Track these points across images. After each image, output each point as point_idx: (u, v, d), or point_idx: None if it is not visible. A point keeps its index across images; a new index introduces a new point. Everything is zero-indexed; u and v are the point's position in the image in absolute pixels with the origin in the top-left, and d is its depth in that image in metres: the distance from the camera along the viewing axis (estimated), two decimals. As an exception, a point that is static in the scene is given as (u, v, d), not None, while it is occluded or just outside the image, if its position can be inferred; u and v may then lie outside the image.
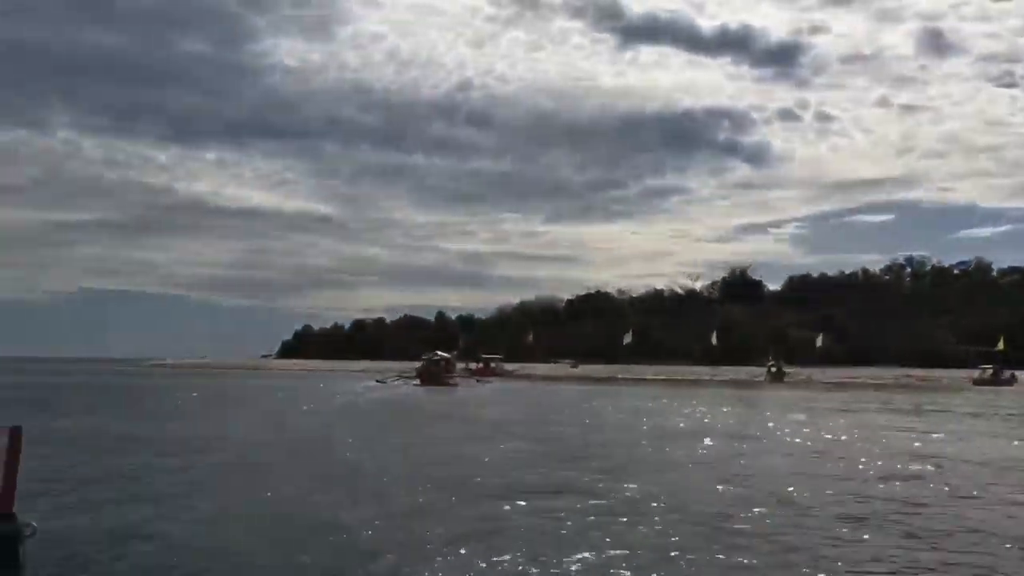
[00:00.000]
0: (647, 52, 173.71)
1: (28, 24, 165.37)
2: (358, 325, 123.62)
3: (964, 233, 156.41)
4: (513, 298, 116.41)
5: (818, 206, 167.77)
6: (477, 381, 55.96)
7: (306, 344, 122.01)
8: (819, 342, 72.14)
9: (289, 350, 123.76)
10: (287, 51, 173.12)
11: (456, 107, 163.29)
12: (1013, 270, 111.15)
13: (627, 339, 77.35)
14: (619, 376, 69.00)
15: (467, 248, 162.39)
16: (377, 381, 50.71)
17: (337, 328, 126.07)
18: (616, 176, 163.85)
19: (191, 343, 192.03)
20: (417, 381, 50.95)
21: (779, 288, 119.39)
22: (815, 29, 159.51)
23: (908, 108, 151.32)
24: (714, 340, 76.18)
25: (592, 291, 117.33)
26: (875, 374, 67.45)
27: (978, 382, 58.78)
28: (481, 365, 68.72)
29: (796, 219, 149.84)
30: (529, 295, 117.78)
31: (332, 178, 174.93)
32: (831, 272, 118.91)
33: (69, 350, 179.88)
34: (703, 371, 72.97)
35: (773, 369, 63.91)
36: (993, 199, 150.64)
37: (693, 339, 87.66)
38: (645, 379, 65.05)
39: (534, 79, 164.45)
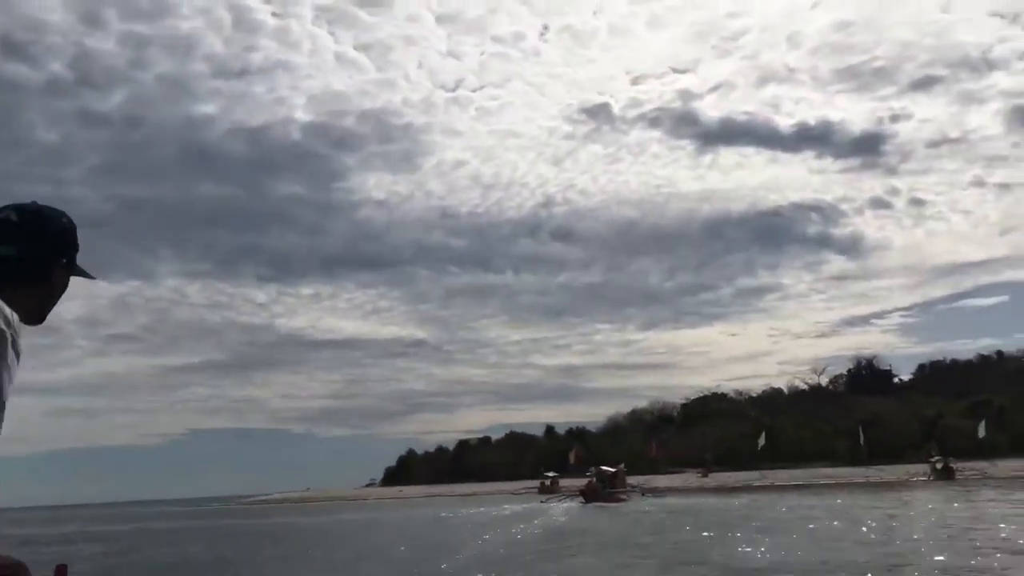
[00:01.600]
0: (726, 154, 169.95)
1: (137, 181, 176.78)
2: (462, 446, 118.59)
3: None
4: (610, 409, 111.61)
5: (922, 293, 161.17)
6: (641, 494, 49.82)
7: (410, 469, 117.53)
8: (981, 431, 63.55)
9: (393, 477, 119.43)
10: (375, 185, 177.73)
11: (541, 224, 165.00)
12: None
13: (761, 442, 70.13)
14: (772, 483, 61.49)
15: (562, 362, 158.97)
16: (542, 502, 47.05)
17: (441, 451, 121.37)
18: (706, 279, 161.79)
19: (295, 476, 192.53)
20: (581, 499, 46.33)
21: (910, 377, 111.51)
22: (896, 117, 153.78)
23: (1004, 187, 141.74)
24: (861, 437, 68.25)
25: (708, 393, 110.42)
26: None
27: None
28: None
29: (900, 308, 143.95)
30: (627, 405, 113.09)
31: (424, 303, 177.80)
32: (961, 357, 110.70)
33: (179, 491, 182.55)
34: (852, 472, 64.96)
35: (939, 466, 55.83)
36: None
37: (830, 437, 79.68)
38: (801, 485, 57.46)
39: (615, 190, 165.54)
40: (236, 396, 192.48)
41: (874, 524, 23.21)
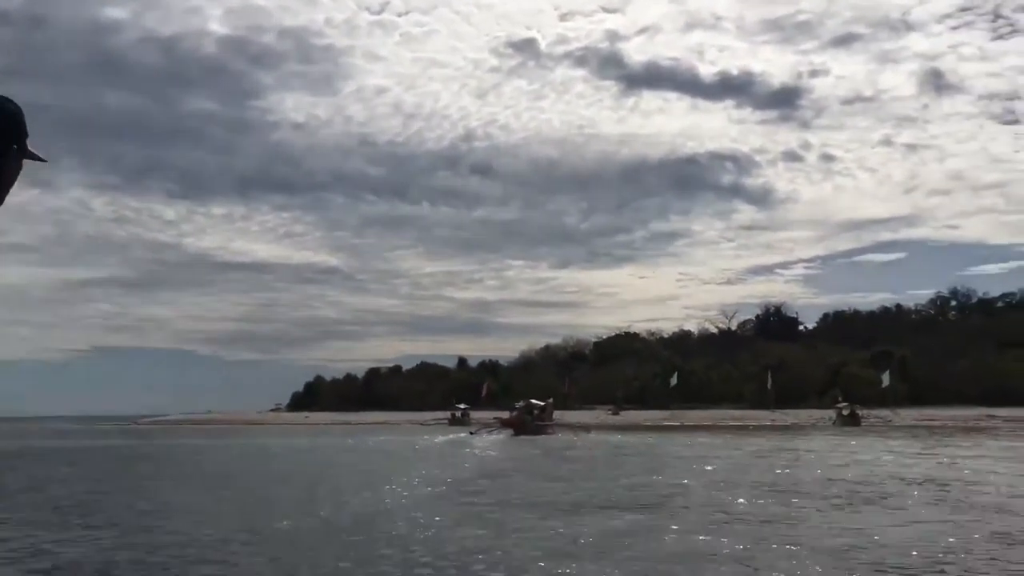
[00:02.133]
0: (649, 98, 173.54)
1: (40, 85, 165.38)
2: (373, 374, 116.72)
3: (973, 270, 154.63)
4: (520, 345, 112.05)
5: (826, 246, 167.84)
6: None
7: (318, 396, 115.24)
8: (885, 381, 65.07)
9: (300, 402, 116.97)
10: (293, 106, 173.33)
11: (460, 157, 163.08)
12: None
13: (673, 382, 70.52)
14: (682, 423, 61.84)
15: (474, 296, 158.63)
16: (470, 433, 46.57)
17: (350, 378, 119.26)
18: (621, 221, 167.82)
19: (199, 398, 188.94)
20: (510, 431, 46.04)
21: (815, 326, 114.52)
22: (815, 72, 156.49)
23: (911, 147, 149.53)
24: (769, 381, 69.23)
25: (620, 332, 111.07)
26: (956, 415, 60.49)
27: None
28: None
29: (804, 260, 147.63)
30: (537, 342, 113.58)
31: (339, 230, 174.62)
32: (862, 309, 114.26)
33: (78, 408, 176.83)
34: (761, 415, 66.02)
35: (845, 412, 56.88)
36: (1001, 236, 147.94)
37: (739, 381, 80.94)
38: (710, 426, 57.76)
39: (537, 128, 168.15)
40: (141, 315, 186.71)
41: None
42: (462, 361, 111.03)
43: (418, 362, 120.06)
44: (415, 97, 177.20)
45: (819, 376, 77.76)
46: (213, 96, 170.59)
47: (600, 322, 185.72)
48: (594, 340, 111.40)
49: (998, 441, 35.83)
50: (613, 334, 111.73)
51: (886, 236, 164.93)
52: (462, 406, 72.40)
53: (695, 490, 16.56)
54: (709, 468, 22.03)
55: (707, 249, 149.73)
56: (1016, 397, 67.28)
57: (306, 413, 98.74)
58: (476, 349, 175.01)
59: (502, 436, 44.60)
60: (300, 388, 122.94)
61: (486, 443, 38.79)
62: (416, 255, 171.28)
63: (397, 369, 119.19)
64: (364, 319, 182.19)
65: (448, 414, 72.15)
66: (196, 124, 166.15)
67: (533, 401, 51.60)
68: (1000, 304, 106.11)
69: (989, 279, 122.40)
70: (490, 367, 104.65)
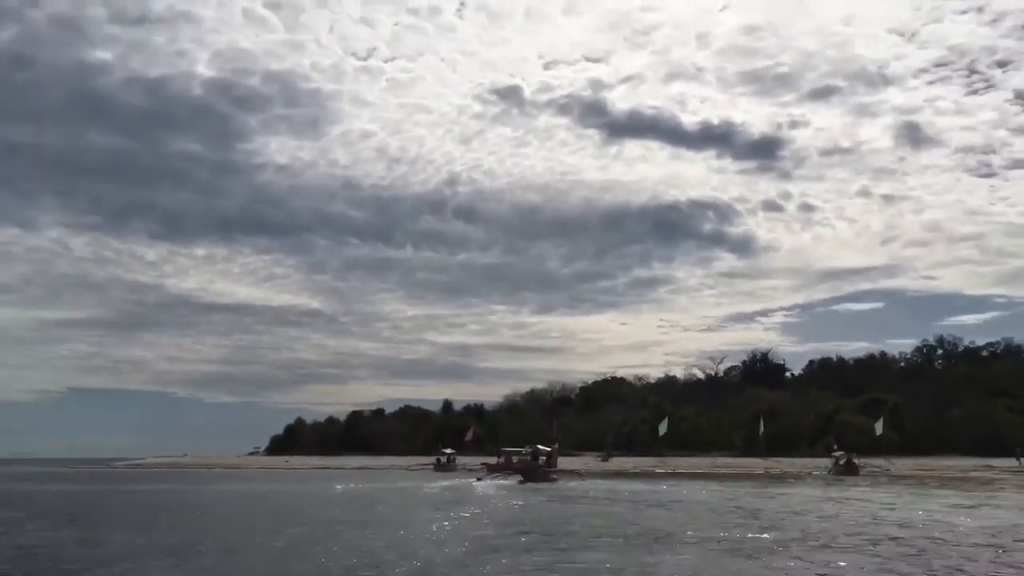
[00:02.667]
0: (631, 146, 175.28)
1: (23, 124, 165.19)
2: (355, 417, 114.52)
3: (950, 320, 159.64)
4: (501, 390, 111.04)
5: (805, 295, 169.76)
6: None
7: (298, 439, 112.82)
8: (879, 429, 63.98)
9: (279, 445, 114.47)
10: (277, 149, 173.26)
11: (444, 201, 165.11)
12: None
13: (663, 429, 69.10)
14: (673, 470, 60.21)
15: (456, 340, 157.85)
16: (477, 480, 44.77)
17: (332, 421, 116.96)
18: (603, 268, 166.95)
19: (177, 441, 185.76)
20: (518, 478, 44.62)
21: (801, 372, 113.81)
22: (794, 123, 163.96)
23: (889, 198, 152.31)
24: (761, 428, 68.02)
25: (606, 377, 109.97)
26: (952, 465, 59.44)
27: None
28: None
29: (784, 308, 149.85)
30: (518, 387, 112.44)
31: (321, 272, 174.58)
32: (847, 356, 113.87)
33: (53, 451, 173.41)
34: (752, 463, 64.67)
35: (842, 461, 55.64)
36: (977, 286, 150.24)
37: (728, 427, 79.70)
38: (707, 474, 56.32)
39: (521, 173, 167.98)
40: (119, 356, 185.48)
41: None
42: (447, 404, 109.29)
43: (401, 405, 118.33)
44: (400, 141, 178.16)
45: (810, 423, 76.62)
46: (198, 138, 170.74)
47: (582, 367, 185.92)
48: (580, 385, 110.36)
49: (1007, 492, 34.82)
50: (599, 379, 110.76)
51: (864, 286, 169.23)
52: (448, 451, 70.68)
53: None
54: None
55: (688, 296, 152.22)
56: (1009, 447, 66.61)
57: (286, 457, 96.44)
58: (458, 393, 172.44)
59: (508, 482, 43.41)
60: (279, 431, 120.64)
61: (495, 490, 37.06)
62: (398, 299, 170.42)
63: (379, 412, 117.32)
64: (345, 362, 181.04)
65: (433, 459, 70.31)
66: (180, 165, 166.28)
67: (540, 447, 50.21)
68: (985, 353, 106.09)
69: (966, 329, 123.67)
70: (475, 411, 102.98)
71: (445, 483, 44.48)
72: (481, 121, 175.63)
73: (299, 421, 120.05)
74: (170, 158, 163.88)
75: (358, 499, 31.35)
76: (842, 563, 13.49)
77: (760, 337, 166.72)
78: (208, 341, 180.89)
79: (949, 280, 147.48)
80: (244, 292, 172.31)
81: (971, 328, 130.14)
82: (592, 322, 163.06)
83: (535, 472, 45.46)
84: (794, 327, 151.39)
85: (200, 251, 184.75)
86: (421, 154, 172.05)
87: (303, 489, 41.32)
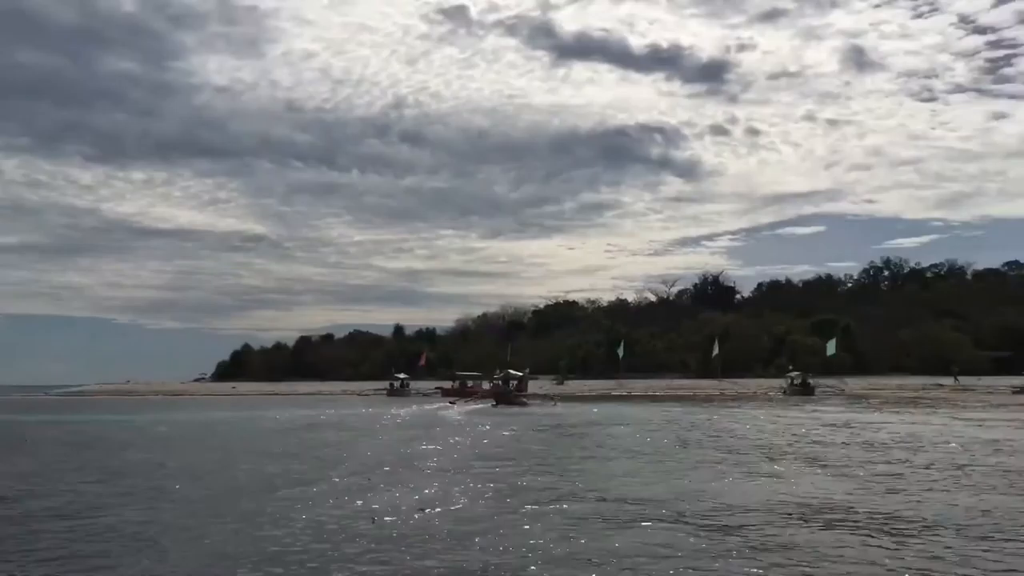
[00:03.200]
0: (580, 69, 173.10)
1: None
2: (304, 343, 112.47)
3: (890, 243, 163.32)
4: (449, 315, 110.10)
5: (750, 219, 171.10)
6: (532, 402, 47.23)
7: (245, 365, 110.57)
8: (831, 349, 64.32)
9: (226, 372, 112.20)
10: (216, 69, 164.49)
11: (390, 124, 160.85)
12: (989, 272, 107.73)
13: (620, 352, 68.58)
14: (629, 393, 59.91)
15: (404, 265, 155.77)
16: (451, 403, 45.80)
17: (279, 347, 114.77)
18: (551, 192, 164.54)
19: (117, 369, 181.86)
20: (492, 402, 45.23)
21: (750, 295, 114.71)
22: (742, 47, 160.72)
23: (833, 122, 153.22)
24: (716, 350, 67.91)
25: (559, 300, 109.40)
26: (904, 384, 60.12)
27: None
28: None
29: (730, 232, 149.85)
30: (466, 312, 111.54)
31: (265, 197, 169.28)
32: (796, 280, 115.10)
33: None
34: (708, 384, 64.74)
35: (797, 381, 55.74)
36: (917, 210, 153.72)
37: (684, 350, 79.74)
38: (668, 396, 56.04)
39: (468, 97, 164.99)
40: (56, 282, 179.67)
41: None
42: (398, 329, 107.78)
43: (349, 331, 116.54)
44: (344, 62, 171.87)
45: (763, 345, 76.97)
46: (132, 56, 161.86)
47: (530, 292, 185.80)
48: (532, 309, 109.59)
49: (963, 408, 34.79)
50: (551, 303, 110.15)
51: (808, 209, 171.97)
52: (401, 376, 69.48)
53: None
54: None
55: (635, 220, 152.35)
56: (956, 364, 67.80)
57: (233, 384, 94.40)
58: (406, 319, 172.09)
59: (480, 406, 43.09)
60: (225, 357, 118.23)
61: (468, 416, 35.89)
62: (345, 223, 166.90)
63: (328, 338, 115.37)
64: (291, 288, 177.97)
65: (386, 384, 69.06)
66: (114, 85, 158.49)
67: (511, 372, 50.09)
68: (930, 275, 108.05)
69: (906, 252, 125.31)
70: (427, 335, 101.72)
71: (414, 408, 43.37)
72: (427, 42, 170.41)
73: (246, 347, 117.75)
74: (103, 78, 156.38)
75: (338, 427, 29.56)
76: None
77: (706, 261, 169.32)
78: (149, 267, 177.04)
79: (890, 204, 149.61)
80: (185, 217, 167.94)
81: (910, 251, 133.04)
82: (540, 247, 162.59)
83: (507, 396, 45.50)
84: (739, 251, 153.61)
85: (138, 174, 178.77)
86: (366, 75, 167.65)
87: (268, 417, 39.09)
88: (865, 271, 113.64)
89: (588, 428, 27.01)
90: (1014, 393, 51.23)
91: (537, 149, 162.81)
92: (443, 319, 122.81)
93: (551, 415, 35.36)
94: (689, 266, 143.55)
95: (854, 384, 60.18)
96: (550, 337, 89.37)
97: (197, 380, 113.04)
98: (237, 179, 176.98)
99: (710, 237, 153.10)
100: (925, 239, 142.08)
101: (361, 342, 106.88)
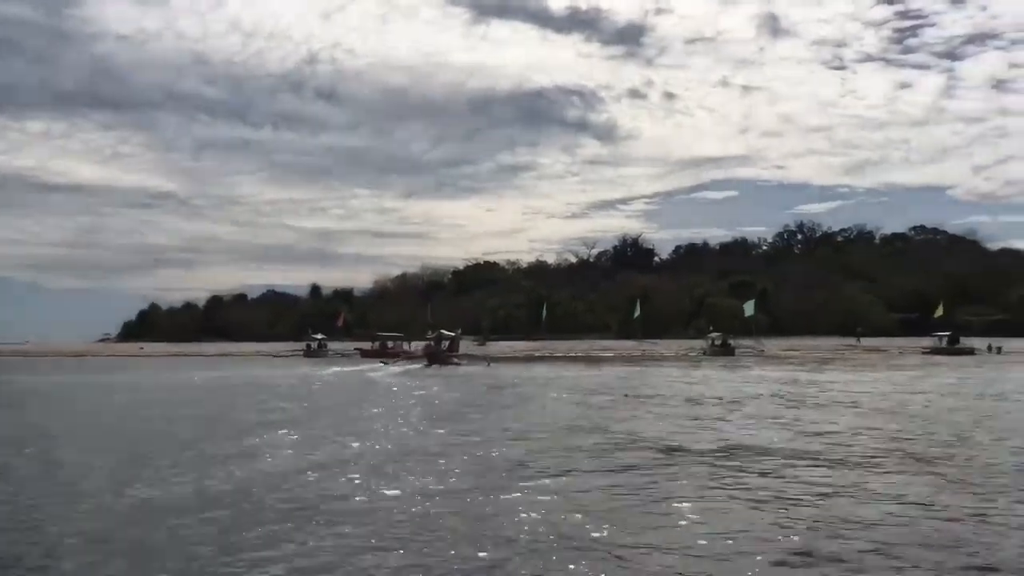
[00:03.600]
0: (498, 27, 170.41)
1: None
2: (215, 302, 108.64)
3: (800, 208, 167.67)
4: (365, 276, 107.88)
5: (665, 183, 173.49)
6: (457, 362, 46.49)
7: (152, 325, 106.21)
8: (749, 311, 65.23)
9: (132, 332, 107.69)
10: (116, 17, 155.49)
11: (304, 80, 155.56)
12: (896, 236, 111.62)
13: (544, 312, 68.15)
14: (552, 354, 59.56)
15: (318, 225, 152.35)
16: (382, 363, 45.82)
17: (189, 307, 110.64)
18: (468, 153, 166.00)
19: (16, 329, 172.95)
20: (424, 362, 45.12)
21: (668, 257, 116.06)
22: (660, 10, 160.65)
23: (747, 89, 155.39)
24: (637, 311, 68.12)
25: (479, 261, 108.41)
26: (820, 345, 61.57)
27: (935, 351, 53.91)
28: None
29: (645, 196, 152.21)
30: (386, 271, 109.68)
31: (173, 151, 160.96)
32: (713, 243, 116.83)
33: None
34: (629, 345, 64.99)
35: (718, 342, 56.30)
36: (826, 176, 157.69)
37: (604, 311, 79.91)
38: (588, 357, 55.72)
39: (385, 53, 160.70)
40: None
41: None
42: (315, 289, 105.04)
43: (263, 291, 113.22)
44: (254, 14, 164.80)
45: (683, 306, 77.71)
46: (26, 1, 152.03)
47: (446, 254, 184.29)
48: (452, 270, 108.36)
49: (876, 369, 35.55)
50: (470, 263, 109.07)
51: (721, 175, 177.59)
52: (319, 336, 67.63)
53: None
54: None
55: (552, 183, 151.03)
56: (866, 325, 70.02)
57: (141, 344, 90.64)
58: (321, 279, 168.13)
59: (413, 367, 42.69)
60: (132, 317, 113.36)
61: (399, 377, 34.83)
62: (257, 181, 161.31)
63: (241, 298, 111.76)
64: (201, 247, 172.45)
65: (303, 345, 67.13)
66: (8, 31, 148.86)
67: (444, 332, 49.76)
68: (840, 239, 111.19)
69: (815, 217, 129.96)
70: (344, 296, 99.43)
71: (338, 370, 41.94)
72: None
73: (153, 307, 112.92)
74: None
75: (271, 389, 28.04)
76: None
77: (622, 224, 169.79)
78: (49, 223, 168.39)
79: (799, 170, 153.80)
80: (87, 171, 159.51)
81: (819, 216, 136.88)
82: (457, 207, 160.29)
83: (440, 356, 45.47)
84: (655, 214, 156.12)
85: (36, 125, 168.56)
86: (278, 29, 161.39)
87: (187, 380, 37.10)
88: (779, 235, 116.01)
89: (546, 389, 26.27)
90: (924, 354, 53.07)
91: (455, 109, 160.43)
92: (359, 280, 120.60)
93: (490, 376, 34.65)
94: (606, 229, 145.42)
95: (772, 345, 61.21)
96: (471, 298, 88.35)
97: (101, 341, 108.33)
98: (142, 133, 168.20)
99: (626, 200, 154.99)
100: (833, 204, 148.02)
101: (275, 303, 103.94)
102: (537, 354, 60.08)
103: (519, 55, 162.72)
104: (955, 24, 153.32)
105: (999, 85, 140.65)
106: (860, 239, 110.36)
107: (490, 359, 48.70)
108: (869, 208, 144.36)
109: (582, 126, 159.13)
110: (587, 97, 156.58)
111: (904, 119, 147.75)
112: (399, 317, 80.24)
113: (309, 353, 64.18)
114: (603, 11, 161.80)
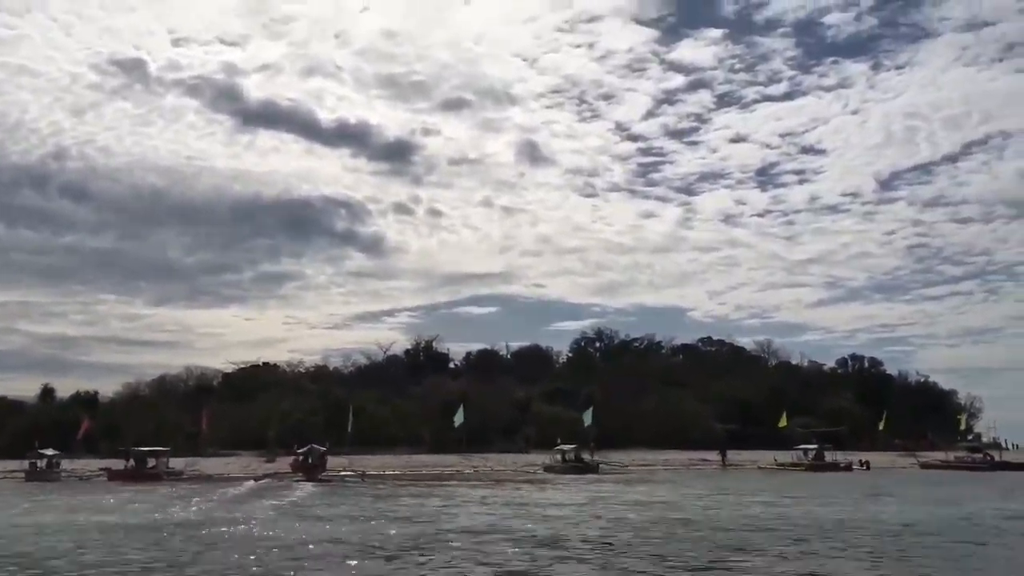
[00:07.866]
0: (265, 137, 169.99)
1: None
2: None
3: (555, 325, 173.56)
4: (107, 386, 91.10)
5: (429, 296, 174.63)
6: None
7: None
8: (588, 420, 57.98)
9: None
10: None
11: (49, 176, 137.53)
12: (685, 347, 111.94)
13: (351, 422, 56.53)
14: (364, 470, 48.39)
15: (54, 331, 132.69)
16: (255, 480, 42.80)
17: None
18: (229, 260, 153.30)
19: None
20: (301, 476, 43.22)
21: (461, 363, 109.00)
22: (427, 131, 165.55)
23: (508, 210, 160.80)
24: (459, 419, 58.35)
25: (258, 363, 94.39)
26: (671, 459, 55.25)
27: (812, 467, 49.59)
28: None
29: (409, 309, 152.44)
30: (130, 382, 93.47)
31: None
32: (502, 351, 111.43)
33: None
34: (454, 460, 54.96)
35: (570, 456, 47.72)
36: (580, 295, 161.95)
37: (414, 420, 69.34)
38: (414, 475, 45.24)
39: (143, 154, 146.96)
40: None
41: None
42: (47, 392, 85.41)
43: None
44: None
45: (505, 415, 69.00)
46: None
47: (202, 364, 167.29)
48: (224, 372, 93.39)
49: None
50: (243, 366, 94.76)
51: (483, 290, 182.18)
52: (49, 452, 51.65)
53: None
54: None
55: (317, 293, 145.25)
56: (694, 437, 65.68)
57: None
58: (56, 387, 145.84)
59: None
60: None
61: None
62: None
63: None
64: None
65: (25, 464, 50.80)
66: None
67: (315, 446, 46.92)
68: (637, 345, 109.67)
69: (569, 334, 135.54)
70: (86, 401, 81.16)
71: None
72: (98, 93, 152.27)
73: None
74: None
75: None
76: None
77: (385, 336, 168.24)
78: None
79: (555, 288, 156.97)
80: None
81: (572, 333, 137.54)
82: (213, 316, 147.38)
83: (314, 470, 43.87)
84: (417, 327, 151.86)
85: None
86: (23, 121, 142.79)
87: None
88: (576, 341, 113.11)
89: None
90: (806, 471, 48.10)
91: (217, 214, 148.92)
92: (104, 387, 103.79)
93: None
94: (369, 341, 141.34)
95: (618, 459, 53.77)
96: (254, 402, 74.54)
97: None
98: None
99: (391, 312, 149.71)
100: (584, 323, 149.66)
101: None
102: (343, 473, 48.46)
103: (285, 164, 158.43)
104: (690, 163, 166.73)
105: (728, 219, 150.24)
106: (649, 349, 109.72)
107: (364, 476, 44.46)
108: (618, 326, 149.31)
109: (349, 238, 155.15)
110: (355, 209, 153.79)
111: (648, 245, 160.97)
112: (159, 427, 65.46)
113: (33, 475, 48.66)
114: (372, 127, 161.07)
